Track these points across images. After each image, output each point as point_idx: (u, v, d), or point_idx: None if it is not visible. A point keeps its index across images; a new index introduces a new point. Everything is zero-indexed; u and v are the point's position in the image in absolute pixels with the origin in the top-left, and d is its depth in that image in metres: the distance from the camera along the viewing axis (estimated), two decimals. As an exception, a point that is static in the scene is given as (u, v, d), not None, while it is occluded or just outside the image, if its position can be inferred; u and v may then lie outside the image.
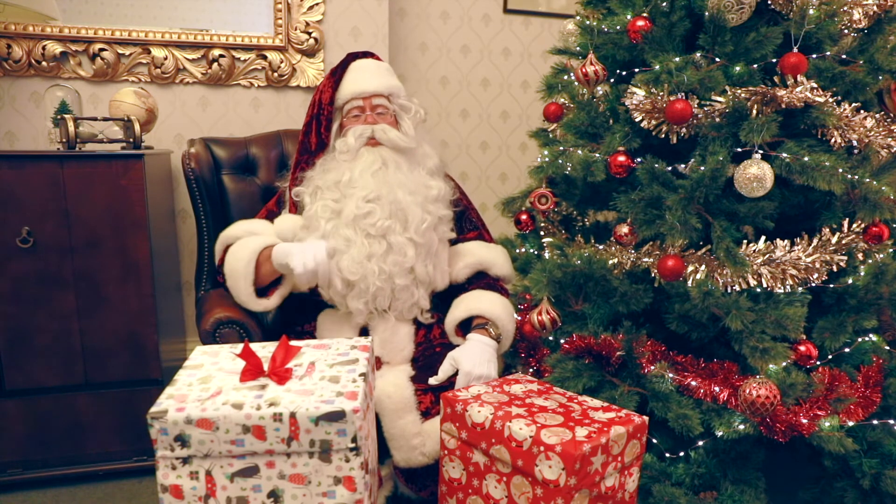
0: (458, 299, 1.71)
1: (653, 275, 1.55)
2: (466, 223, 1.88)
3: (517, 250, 1.98)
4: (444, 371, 1.53)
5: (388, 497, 1.55)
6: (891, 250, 1.59)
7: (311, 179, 1.68)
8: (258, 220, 1.76)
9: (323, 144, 1.72)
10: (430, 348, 1.67)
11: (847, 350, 1.55)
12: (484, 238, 1.87)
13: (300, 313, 1.76)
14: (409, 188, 1.64)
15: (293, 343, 1.32)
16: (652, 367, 1.52)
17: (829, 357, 1.55)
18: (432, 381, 1.53)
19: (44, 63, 2.16)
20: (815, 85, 1.43)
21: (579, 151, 1.68)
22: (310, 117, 1.76)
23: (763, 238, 1.48)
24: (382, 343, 1.62)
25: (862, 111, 1.50)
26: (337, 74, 1.75)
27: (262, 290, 1.65)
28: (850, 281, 1.55)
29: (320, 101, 1.73)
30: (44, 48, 2.15)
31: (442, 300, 1.76)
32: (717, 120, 1.48)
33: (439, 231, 1.69)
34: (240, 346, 1.31)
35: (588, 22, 1.75)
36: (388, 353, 1.63)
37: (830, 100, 1.44)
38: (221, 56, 2.31)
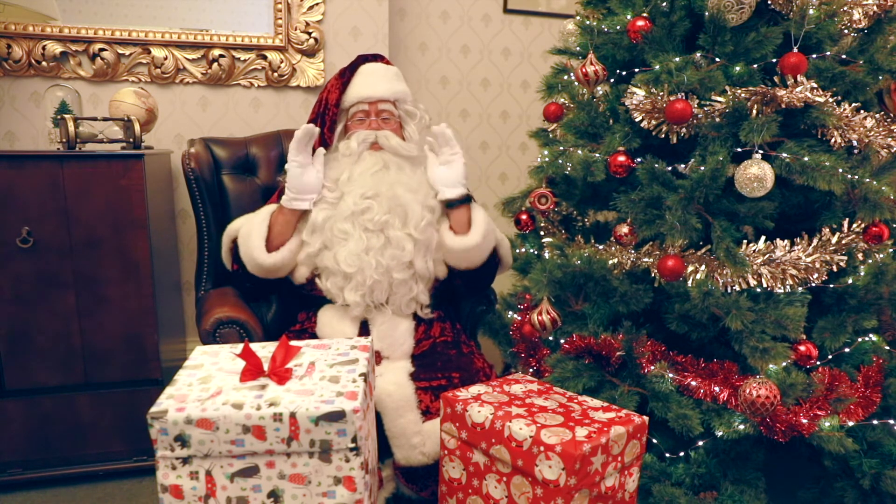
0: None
1: (653, 275, 1.55)
2: None
3: (517, 250, 1.98)
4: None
5: (389, 498, 1.55)
6: (891, 250, 1.59)
7: None
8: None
9: (325, 144, 1.73)
10: (431, 346, 1.68)
11: (847, 350, 1.55)
12: None
13: (300, 310, 1.77)
14: (409, 186, 1.65)
15: (293, 343, 1.32)
16: (652, 367, 1.51)
17: (829, 357, 1.55)
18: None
19: (44, 63, 2.16)
20: (815, 85, 1.43)
21: (579, 151, 1.68)
22: (315, 115, 1.77)
23: (763, 238, 1.48)
24: (382, 337, 1.63)
25: (862, 111, 1.50)
26: (346, 76, 1.75)
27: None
28: (850, 281, 1.55)
29: (326, 101, 1.74)
30: (44, 48, 2.15)
31: (444, 297, 1.76)
32: (717, 120, 1.48)
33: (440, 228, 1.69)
34: (240, 346, 1.31)
35: (588, 22, 1.75)
36: (388, 348, 1.63)
37: (830, 100, 1.44)
38: (221, 56, 2.31)
